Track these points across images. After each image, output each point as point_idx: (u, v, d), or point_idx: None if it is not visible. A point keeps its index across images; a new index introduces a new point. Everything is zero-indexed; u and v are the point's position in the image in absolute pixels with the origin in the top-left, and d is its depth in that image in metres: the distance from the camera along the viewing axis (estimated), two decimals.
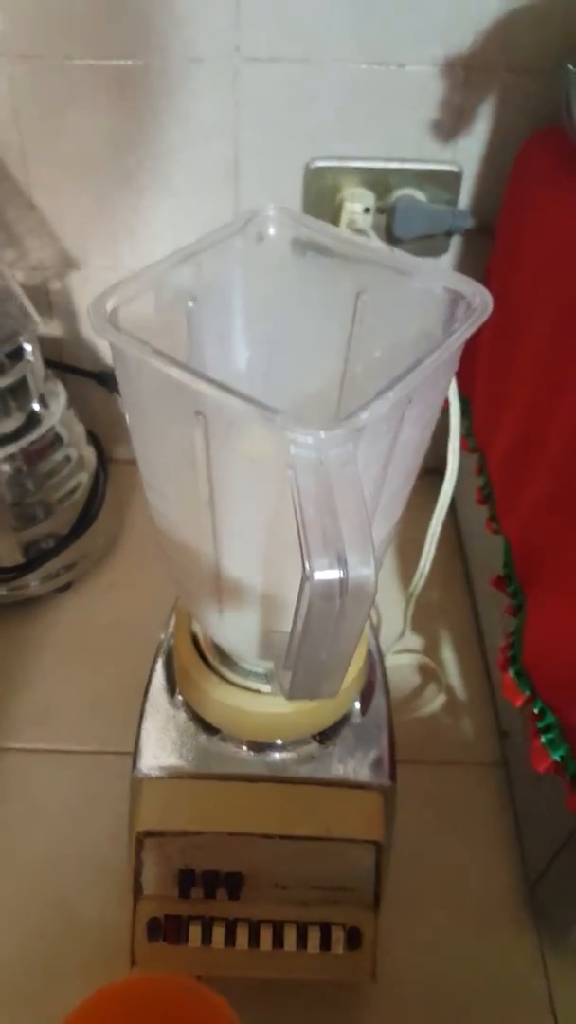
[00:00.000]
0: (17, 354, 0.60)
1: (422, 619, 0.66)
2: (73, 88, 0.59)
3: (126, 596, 0.69)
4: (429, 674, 0.64)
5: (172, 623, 0.49)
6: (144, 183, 0.63)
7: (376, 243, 0.36)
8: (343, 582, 0.25)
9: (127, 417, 0.36)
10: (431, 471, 0.81)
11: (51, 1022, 0.45)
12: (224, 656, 0.43)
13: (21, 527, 0.63)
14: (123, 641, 0.65)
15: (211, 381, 0.28)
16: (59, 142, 0.61)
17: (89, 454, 0.69)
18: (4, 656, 0.63)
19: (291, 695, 0.32)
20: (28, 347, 0.60)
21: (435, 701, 0.62)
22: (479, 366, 0.62)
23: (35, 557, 0.65)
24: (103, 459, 0.70)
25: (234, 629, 0.38)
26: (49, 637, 0.65)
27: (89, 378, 0.72)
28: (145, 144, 0.61)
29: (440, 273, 0.33)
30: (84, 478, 0.67)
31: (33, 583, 0.66)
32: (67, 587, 0.69)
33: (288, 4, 0.55)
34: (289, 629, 0.29)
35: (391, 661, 0.64)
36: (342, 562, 0.25)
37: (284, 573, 0.33)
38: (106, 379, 0.73)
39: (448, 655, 0.65)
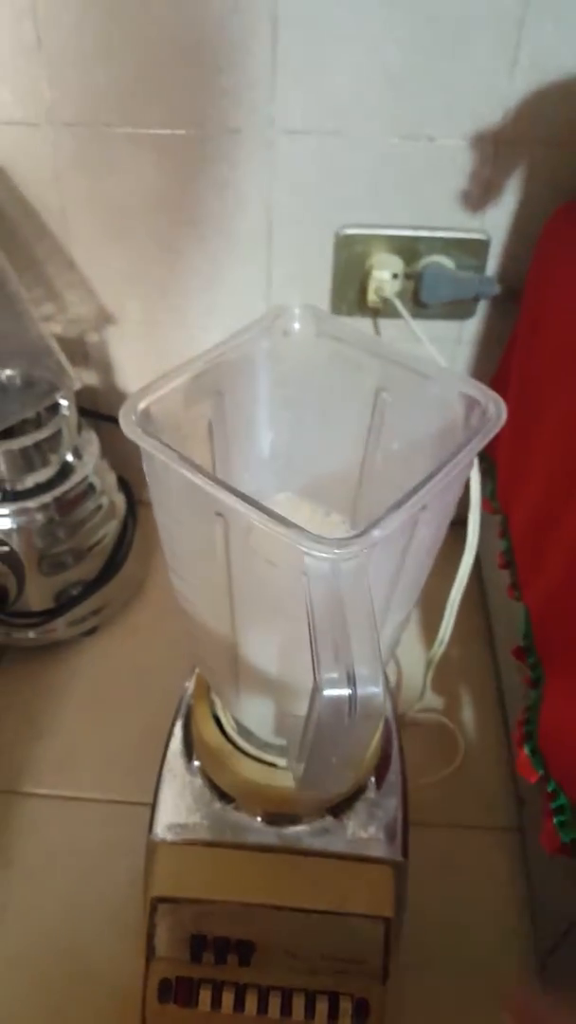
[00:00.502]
0: (53, 408, 0.63)
1: (443, 677, 0.67)
2: (114, 154, 0.61)
3: (149, 641, 0.70)
4: (448, 735, 0.64)
5: (191, 688, 0.51)
6: (180, 246, 0.65)
7: (395, 348, 0.38)
8: (352, 698, 0.26)
9: (154, 507, 0.37)
10: (455, 522, 0.82)
11: None
12: (241, 727, 0.44)
13: (51, 573, 0.65)
14: (145, 688, 0.66)
15: (231, 490, 0.30)
16: (99, 204, 0.64)
17: (119, 501, 0.71)
18: (30, 701, 0.65)
19: (302, 788, 0.33)
20: (64, 402, 0.63)
21: (453, 763, 0.62)
22: (504, 429, 0.62)
23: (63, 603, 0.67)
24: (132, 505, 0.72)
25: (250, 708, 0.40)
26: (73, 683, 0.67)
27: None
28: (182, 209, 0.63)
29: (457, 379, 0.35)
30: (114, 525, 0.69)
31: (60, 627, 0.68)
32: (93, 631, 0.70)
33: (322, 80, 0.57)
34: (304, 713, 0.31)
35: (409, 719, 0.65)
36: (351, 679, 0.26)
37: (300, 662, 0.34)
38: None
39: (468, 715, 0.66)
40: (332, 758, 0.30)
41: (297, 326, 0.39)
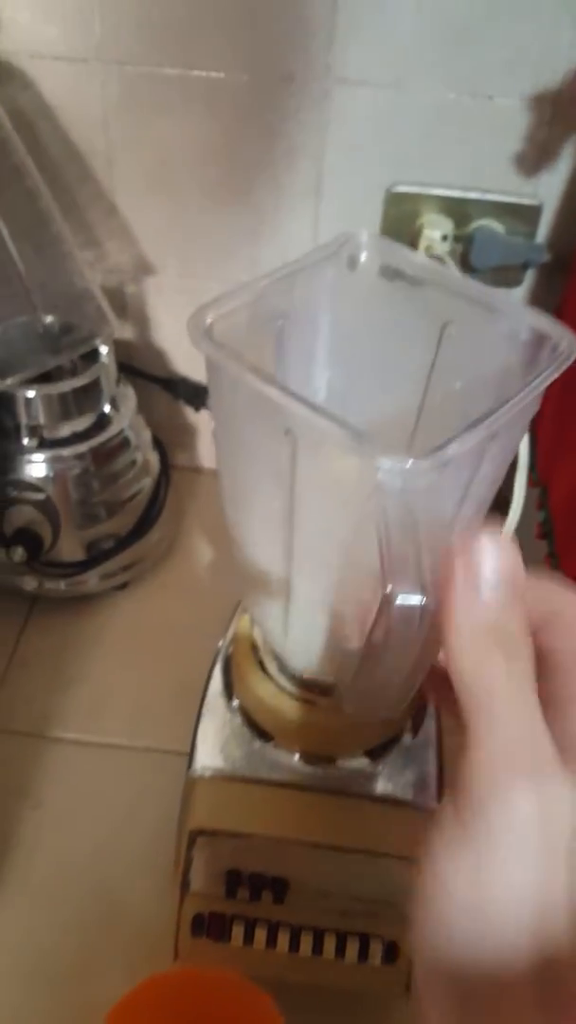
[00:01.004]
0: (92, 356, 0.63)
1: None
2: (163, 97, 0.61)
3: (179, 600, 0.71)
4: None
5: (232, 630, 0.52)
6: (225, 196, 0.65)
7: (464, 277, 0.38)
8: (424, 608, 0.27)
9: (214, 427, 0.38)
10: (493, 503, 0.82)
11: (91, 1010, 0.47)
12: (283, 666, 0.45)
13: (84, 526, 0.66)
14: (175, 643, 0.67)
15: (303, 401, 0.30)
16: (145, 150, 0.64)
17: (153, 459, 0.71)
18: (60, 650, 0.66)
19: (351, 710, 0.34)
20: (104, 349, 0.63)
21: None
22: (546, 401, 0.63)
23: (96, 555, 0.67)
24: (166, 465, 0.73)
25: (299, 644, 0.40)
26: (104, 635, 0.68)
27: (156, 383, 0.75)
28: (229, 158, 0.64)
29: (528, 312, 0.35)
30: (147, 482, 0.70)
31: (91, 580, 0.69)
32: (123, 587, 0.71)
33: (382, 29, 0.57)
34: (354, 648, 0.31)
35: None
36: (424, 588, 0.27)
37: (356, 594, 0.35)
38: (173, 385, 0.76)
39: None
40: (393, 676, 0.31)
41: (364, 256, 0.40)
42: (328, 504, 0.34)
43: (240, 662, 0.46)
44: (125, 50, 0.59)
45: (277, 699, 0.44)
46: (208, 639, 0.68)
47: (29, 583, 0.67)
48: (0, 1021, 0.47)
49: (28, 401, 0.61)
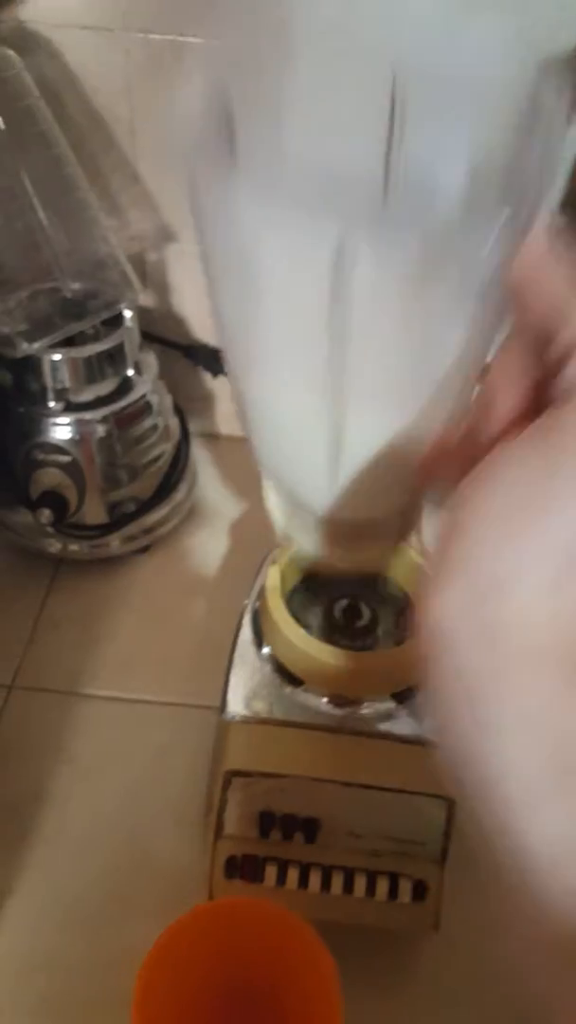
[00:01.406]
0: (116, 320, 0.64)
1: None
2: (185, 66, 0.62)
3: (203, 563, 0.72)
4: None
5: (260, 582, 0.53)
6: None
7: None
8: None
9: (217, 291, 0.34)
10: None
11: (126, 953, 0.48)
12: (313, 612, 0.46)
13: (107, 489, 0.67)
14: (198, 603, 0.69)
15: None
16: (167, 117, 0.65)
17: (174, 424, 0.72)
18: (85, 611, 0.68)
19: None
20: (128, 314, 0.64)
21: None
22: None
23: (118, 518, 0.69)
24: (186, 429, 0.74)
25: (347, 492, 0.37)
26: (128, 595, 0.69)
27: (176, 350, 0.76)
28: None
29: None
30: (168, 446, 0.71)
31: (114, 543, 0.70)
32: (145, 550, 0.72)
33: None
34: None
35: None
36: None
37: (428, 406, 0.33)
38: (192, 352, 0.77)
39: None
40: None
41: None
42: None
43: (272, 609, 0.47)
44: (150, 19, 0.60)
45: (307, 643, 0.45)
46: (230, 599, 0.69)
47: (53, 546, 0.69)
48: (38, 967, 0.49)
49: (54, 365, 0.62)
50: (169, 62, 0.62)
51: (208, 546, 0.74)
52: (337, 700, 0.47)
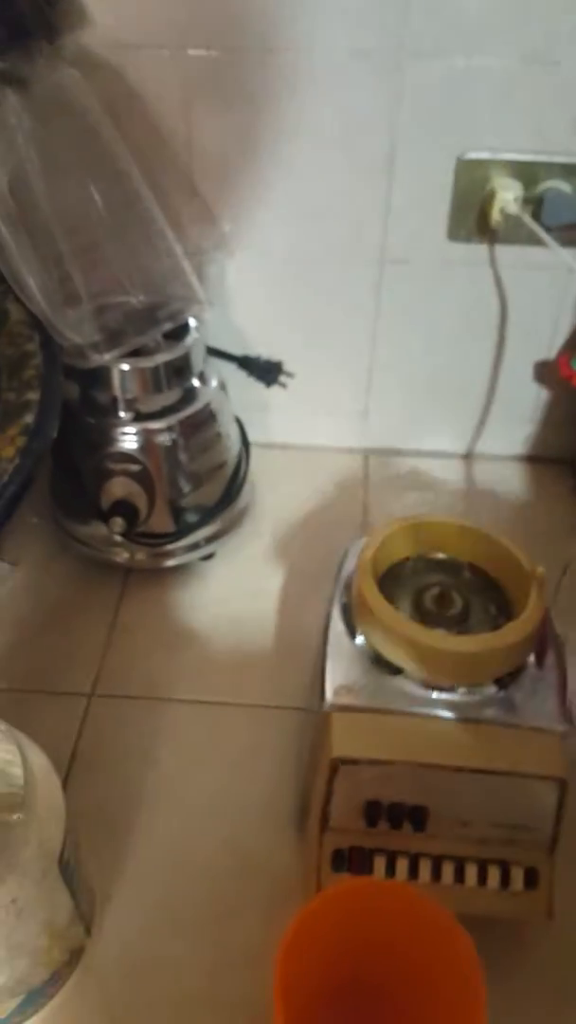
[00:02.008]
0: (182, 331, 0.65)
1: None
2: (241, 80, 0.64)
3: (266, 568, 0.73)
4: None
5: (346, 573, 0.53)
6: (302, 172, 0.68)
7: None
8: None
9: None
10: (560, 461, 0.83)
11: (228, 953, 0.49)
12: (403, 602, 0.46)
13: (175, 496, 0.68)
14: (268, 607, 0.69)
15: None
16: (224, 132, 0.66)
17: (235, 433, 0.73)
18: (157, 617, 0.68)
19: None
20: (194, 324, 0.65)
21: None
22: None
23: (184, 526, 0.69)
24: (245, 437, 0.75)
25: None
26: (198, 601, 0.69)
27: (232, 361, 0.77)
28: (305, 134, 0.66)
29: None
30: (230, 456, 0.72)
31: (179, 551, 0.70)
32: (209, 557, 0.73)
33: (454, 1, 0.59)
34: None
35: None
36: None
37: None
38: (247, 363, 0.78)
39: None
40: None
41: None
42: None
43: (366, 595, 0.47)
44: (205, 37, 0.62)
45: (407, 628, 0.46)
46: (298, 601, 0.70)
47: (121, 555, 0.69)
48: (145, 970, 0.48)
49: (123, 375, 0.63)
50: (223, 75, 0.64)
51: (273, 551, 0.75)
52: (437, 687, 0.47)
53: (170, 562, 0.71)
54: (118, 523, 0.64)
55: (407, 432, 0.84)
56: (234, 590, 0.71)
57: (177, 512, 0.69)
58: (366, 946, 0.39)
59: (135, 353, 0.63)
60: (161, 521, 0.68)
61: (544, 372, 0.79)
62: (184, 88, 0.65)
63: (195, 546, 0.71)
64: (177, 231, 0.70)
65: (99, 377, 0.63)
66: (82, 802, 0.55)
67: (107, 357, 0.61)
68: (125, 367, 0.63)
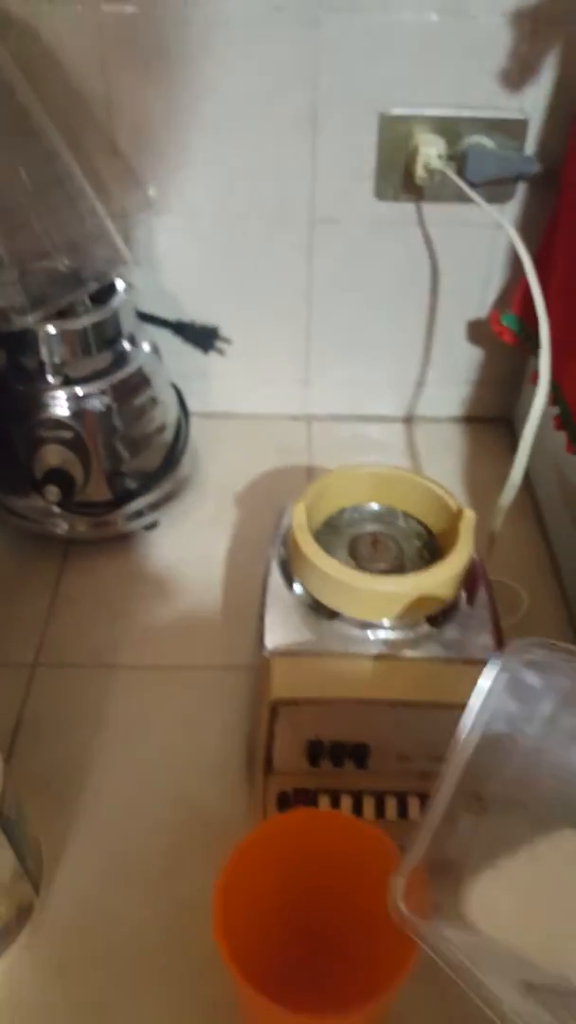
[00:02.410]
0: (109, 293, 0.65)
1: (499, 554, 0.70)
2: (159, 36, 0.64)
3: (212, 535, 0.74)
4: (510, 593, 0.67)
5: (284, 527, 0.54)
6: (225, 131, 0.68)
7: None
8: None
9: None
10: (497, 420, 0.85)
11: (180, 903, 0.49)
12: (339, 550, 0.47)
13: (112, 464, 0.68)
14: (213, 573, 0.70)
15: None
16: (144, 91, 0.66)
17: (172, 398, 0.74)
18: (100, 586, 0.68)
19: None
20: (121, 284, 0.65)
21: (519, 613, 0.65)
22: (553, 305, 0.66)
23: (123, 494, 0.69)
24: (183, 404, 0.75)
25: None
26: (142, 570, 0.70)
27: (166, 327, 0.78)
28: (226, 92, 0.66)
29: None
30: (168, 421, 0.72)
31: (120, 520, 0.71)
32: (153, 526, 0.73)
33: None
34: None
35: None
36: None
37: None
38: (182, 329, 0.78)
39: (527, 582, 0.70)
40: None
41: None
42: None
43: (300, 547, 0.48)
44: None
45: (340, 572, 0.47)
46: (245, 566, 0.70)
47: (61, 527, 0.69)
48: (100, 923, 0.49)
49: (50, 338, 0.63)
50: (141, 34, 0.64)
51: (216, 520, 0.75)
52: (372, 627, 0.48)
53: (112, 532, 0.71)
54: (53, 492, 0.64)
55: (348, 397, 0.86)
56: (180, 558, 0.72)
57: (115, 480, 0.69)
58: (309, 878, 0.40)
59: (62, 316, 0.63)
60: (99, 490, 0.68)
61: (477, 331, 0.80)
62: (101, 45, 0.64)
63: (137, 515, 0.72)
64: (100, 193, 0.70)
65: (26, 342, 0.63)
66: (29, 769, 0.55)
67: (32, 320, 0.61)
68: (52, 330, 0.62)
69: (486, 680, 0.33)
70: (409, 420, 0.87)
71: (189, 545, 0.73)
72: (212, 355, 0.81)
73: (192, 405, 0.79)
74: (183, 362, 0.81)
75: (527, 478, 0.80)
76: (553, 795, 0.30)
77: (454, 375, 0.84)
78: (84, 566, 0.70)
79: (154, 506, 0.72)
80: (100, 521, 0.70)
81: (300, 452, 0.83)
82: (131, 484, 0.70)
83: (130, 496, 0.70)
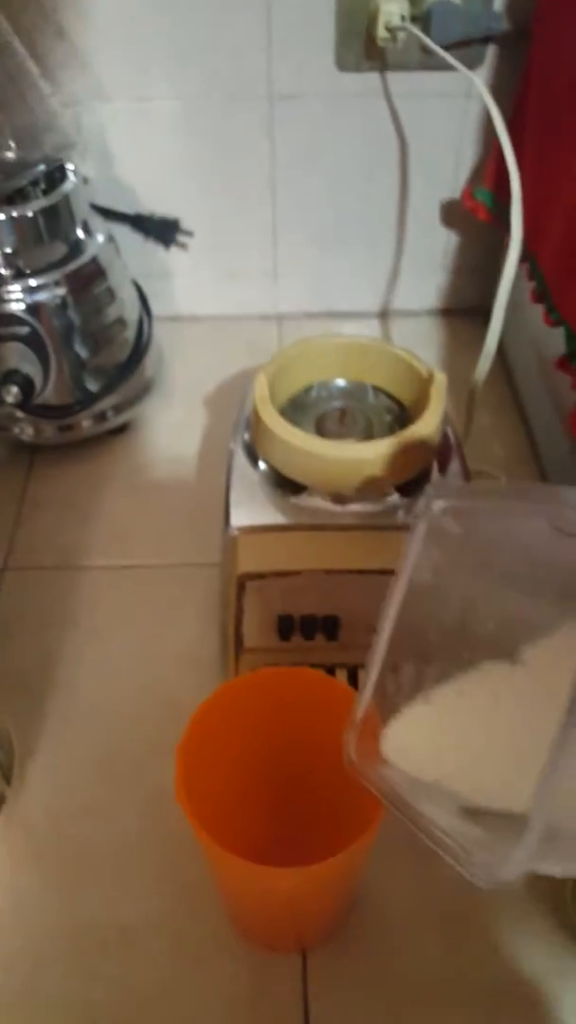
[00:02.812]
0: (60, 175, 0.63)
1: (477, 440, 0.69)
2: None
3: (181, 437, 0.72)
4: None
5: (247, 406, 0.53)
6: (173, 3, 0.64)
7: None
8: None
9: None
10: (474, 311, 0.83)
11: (156, 793, 0.49)
12: (306, 425, 0.46)
13: (72, 362, 0.66)
14: (183, 474, 0.69)
15: None
16: None
17: (131, 294, 0.71)
18: (69, 491, 0.67)
19: None
20: (71, 167, 0.63)
21: None
22: (525, 174, 0.64)
23: (85, 396, 0.68)
24: (145, 301, 0.73)
25: None
26: (111, 474, 0.69)
27: (124, 222, 0.75)
28: None
29: None
30: (129, 318, 0.70)
31: (85, 423, 0.69)
32: (121, 430, 0.72)
33: None
34: None
35: None
36: None
37: None
38: (141, 222, 0.76)
39: (506, 468, 0.69)
40: None
41: None
42: None
43: (266, 417, 0.47)
44: None
45: (305, 441, 0.45)
46: (213, 469, 0.69)
47: (25, 432, 0.68)
48: (75, 815, 0.49)
49: (0, 226, 0.60)
50: None
51: (185, 423, 0.74)
52: (341, 499, 0.47)
53: (77, 435, 0.69)
54: (13, 392, 0.62)
55: (320, 293, 0.83)
56: (148, 461, 0.70)
57: (77, 380, 0.67)
58: (278, 738, 0.39)
59: (11, 203, 0.61)
60: (61, 391, 0.67)
61: (451, 214, 0.78)
62: None
63: (102, 418, 0.70)
64: (47, 78, 0.67)
65: None
66: (1, 669, 0.55)
67: None
68: (0, 216, 0.60)
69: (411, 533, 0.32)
70: (384, 315, 0.85)
71: (158, 448, 0.71)
72: (174, 251, 0.78)
73: (156, 308, 0.77)
74: (144, 262, 0.78)
75: (506, 366, 0.78)
76: (490, 640, 0.30)
77: (429, 263, 0.81)
78: (51, 472, 0.69)
79: (119, 408, 0.71)
80: (65, 425, 0.68)
81: (271, 353, 0.81)
82: (93, 385, 0.68)
83: (93, 398, 0.68)
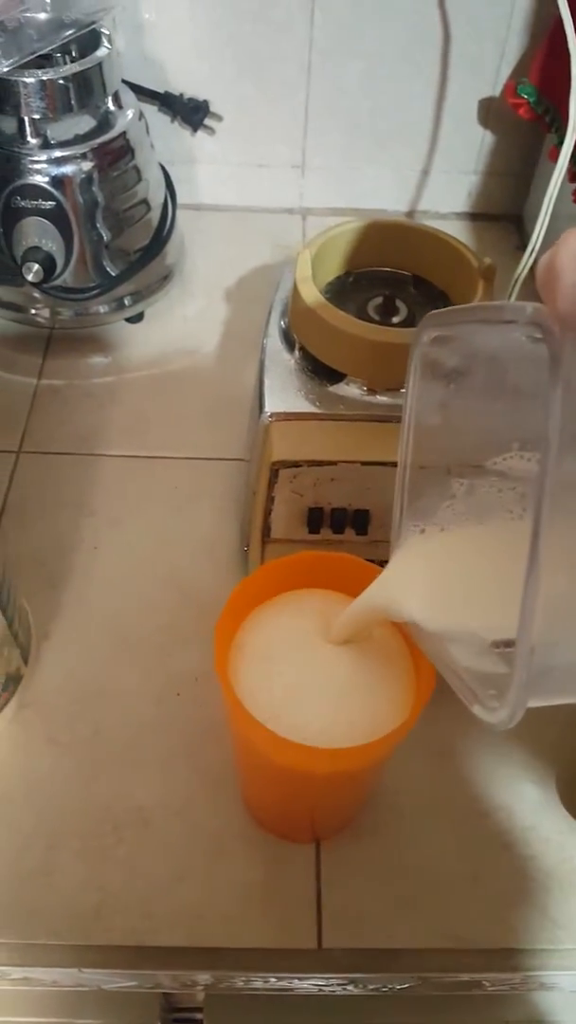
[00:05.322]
0: (92, 44, 0.58)
1: None
2: None
3: (200, 330, 0.70)
4: None
5: (282, 293, 0.50)
6: None
7: None
8: None
9: None
10: (506, 218, 0.79)
11: (173, 678, 0.48)
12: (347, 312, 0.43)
13: (91, 242, 0.62)
14: (203, 366, 0.67)
15: None
16: None
17: (157, 175, 0.67)
18: (85, 378, 0.66)
19: None
20: (106, 33, 0.58)
21: None
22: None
23: (106, 280, 0.64)
24: (171, 186, 0.69)
25: None
26: (130, 362, 0.67)
27: (153, 100, 0.70)
28: None
29: None
30: (154, 201, 0.66)
31: (103, 308, 0.66)
32: (138, 319, 0.69)
33: None
34: None
35: None
36: None
37: None
38: (171, 102, 0.71)
39: None
40: None
41: None
42: None
43: (304, 300, 0.44)
44: None
45: (347, 323, 0.43)
46: (236, 360, 0.67)
47: (42, 314, 0.65)
48: (90, 697, 0.49)
49: (28, 89, 0.56)
50: None
51: (204, 315, 0.71)
52: (379, 389, 0.45)
53: (94, 321, 0.66)
54: (34, 269, 0.59)
55: (347, 189, 0.79)
56: (166, 351, 0.68)
57: (97, 262, 0.64)
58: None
59: (41, 67, 0.56)
60: (80, 273, 0.63)
61: (489, 112, 0.73)
62: None
63: (120, 305, 0.67)
64: None
65: (3, 94, 0.56)
66: (15, 550, 0.53)
67: (5, 66, 0.54)
68: (29, 79, 0.56)
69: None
70: (411, 215, 0.81)
71: (176, 339, 0.69)
72: (200, 137, 0.74)
73: (180, 197, 0.73)
74: (169, 146, 0.74)
75: (533, 273, 0.75)
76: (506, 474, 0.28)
77: (462, 163, 0.77)
78: (68, 358, 0.67)
79: (137, 296, 0.67)
80: (82, 309, 0.65)
81: (295, 248, 0.77)
82: (113, 268, 0.65)
83: (113, 281, 0.65)
